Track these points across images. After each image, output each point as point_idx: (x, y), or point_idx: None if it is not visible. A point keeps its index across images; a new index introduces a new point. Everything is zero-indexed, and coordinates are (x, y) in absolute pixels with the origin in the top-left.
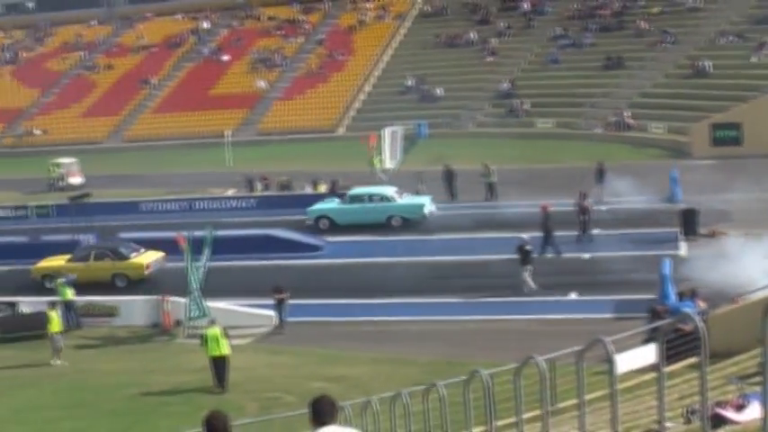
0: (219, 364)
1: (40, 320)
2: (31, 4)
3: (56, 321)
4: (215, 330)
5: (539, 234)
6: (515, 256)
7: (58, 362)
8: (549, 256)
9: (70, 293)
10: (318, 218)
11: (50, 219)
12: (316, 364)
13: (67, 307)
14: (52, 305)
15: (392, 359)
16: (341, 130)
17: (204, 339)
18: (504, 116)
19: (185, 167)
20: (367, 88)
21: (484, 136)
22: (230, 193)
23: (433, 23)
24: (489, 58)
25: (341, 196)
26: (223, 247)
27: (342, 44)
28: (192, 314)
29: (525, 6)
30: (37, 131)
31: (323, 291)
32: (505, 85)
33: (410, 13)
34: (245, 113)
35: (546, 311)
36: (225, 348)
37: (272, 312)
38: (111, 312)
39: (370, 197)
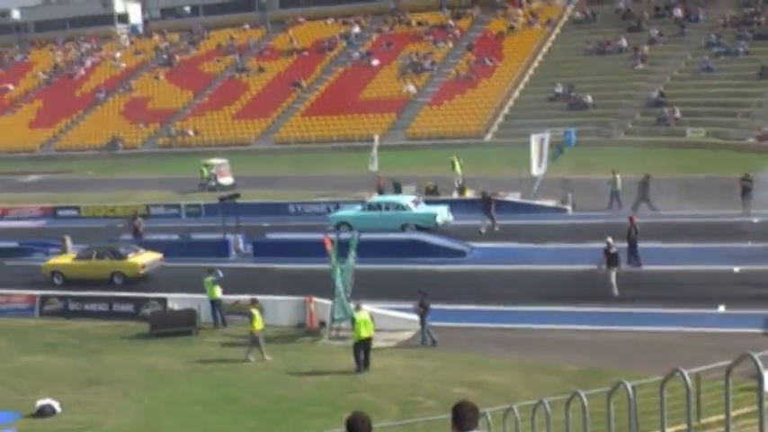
0: (365, 347)
1: (188, 317)
2: (186, 8)
3: (258, 319)
4: (364, 314)
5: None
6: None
7: (268, 357)
8: (631, 268)
9: (218, 291)
10: (339, 224)
11: (200, 218)
12: (458, 370)
13: (214, 305)
14: (254, 302)
15: (536, 367)
16: (489, 136)
17: (354, 322)
18: (653, 125)
19: (333, 170)
20: (516, 94)
21: (633, 144)
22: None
23: (584, 30)
24: (640, 66)
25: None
26: (369, 250)
27: (491, 50)
28: (336, 316)
29: (678, 13)
30: (189, 132)
31: (468, 296)
32: (656, 93)
33: (560, 20)
34: (393, 118)
35: (692, 324)
36: (371, 331)
37: (416, 317)
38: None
39: (386, 206)
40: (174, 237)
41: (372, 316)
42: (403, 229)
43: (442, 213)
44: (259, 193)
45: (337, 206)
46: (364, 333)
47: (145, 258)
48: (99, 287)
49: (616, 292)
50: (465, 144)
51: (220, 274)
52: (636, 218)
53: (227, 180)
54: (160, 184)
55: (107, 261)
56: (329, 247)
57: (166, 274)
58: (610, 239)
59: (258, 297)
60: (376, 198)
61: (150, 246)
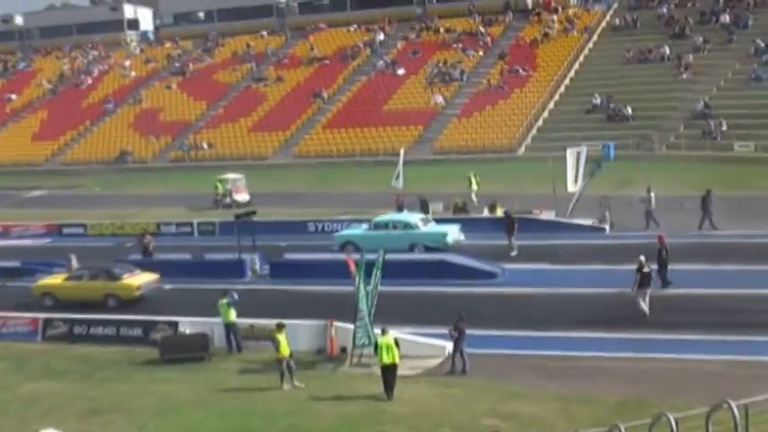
0: (389, 373)
1: (201, 342)
2: (201, 14)
3: (284, 344)
4: (388, 338)
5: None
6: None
7: (297, 383)
8: (660, 289)
9: (233, 315)
10: (344, 244)
11: (214, 237)
12: (489, 400)
13: (229, 329)
14: (280, 327)
15: (573, 397)
16: (521, 150)
17: (377, 348)
18: (698, 138)
19: (356, 186)
20: (550, 105)
21: (675, 159)
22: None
23: (624, 37)
24: (684, 75)
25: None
26: (394, 271)
27: (524, 58)
28: (359, 342)
29: (725, 19)
30: (203, 145)
31: (499, 321)
32: (701, 105)
33: (598, 27)
34: (419, 131)
35: (739, 352)
36: (396, 357)
37: (444, 343)
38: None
39: (394, 225)
40: (187, 256)
41: (398, 341)
42: (411, 249)
43: (453, 233)
44: (277, 211)
45: (360, 225)
46: (386, 359)
47: (140, 279)
48: (104, 310)
49: (646, 310)
50: (496, 159)
51: (235, 297)
52: (665, 237)
53: (242, 196)
54: (172, 201)
55: (100, 282)
56: (353, 268)
57: (177, 296)
58: (642, 258)
59: (282, 321)
60: (382, 217)
61: (161, 266)
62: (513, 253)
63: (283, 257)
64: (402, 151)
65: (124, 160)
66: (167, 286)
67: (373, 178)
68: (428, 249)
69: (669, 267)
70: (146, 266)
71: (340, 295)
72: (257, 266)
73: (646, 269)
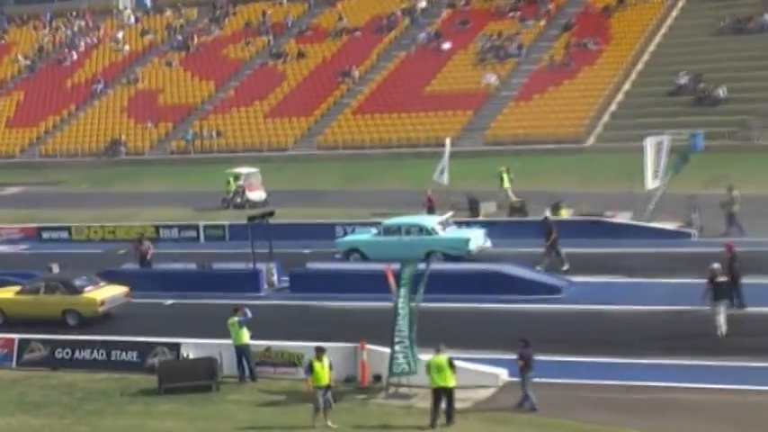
0: (443, 399)
1: (207, 368)
2: None
3: (322, 373)
4: (440, 358)
5: None
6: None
7: (330, 424)
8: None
9: (245, 336)
10: (349, 251)
11: (224, 243)
12: None
13: (241, 352)
14: (320, 352)
15: None
16: (591, 140)
17: (427, 367)
18: None
19: (393, 183)
20: (626, 86)
21: None
22: (446, 216)
23: (716, 3)
24: None
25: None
26: (437, 284)
27: (595, 30)
28: (398, 369)
29: None
30: (211, 134)
31: (565, 344)
32: None
33: None
34: (468, 117)
35: None
36: (450, 379)
37: (497, 370)
38: (294, 361)
39: (407, 229)
40: (191, 266)
41: (453, 362)
42: (427, 257)
43: (477, 238)
44: (298, 212)
45: (368, 229)
46: (438, 381)
47: (105, 293)
48: (93, 329)
49: (724, 329)
50: (560, 150)
51: (249, 314)
52: (735, 245)
53: (258, 195)
54: (173, 200)
55: (58, 296)
56: (392, 280)
57: (180, 313)
58: (716, 265)
59: (300, 344)
60: (394, 220)
61: (160, 278)
62: (538, 268)
63: (306, 267)
64: (448, 142)
65: (116, 152)
66: (168, 301)
67: (413, 174)
68: (446, 257)
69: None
70: (143, 278)
71: (374, 313)
72: (275, 278)
73: (719, 279)
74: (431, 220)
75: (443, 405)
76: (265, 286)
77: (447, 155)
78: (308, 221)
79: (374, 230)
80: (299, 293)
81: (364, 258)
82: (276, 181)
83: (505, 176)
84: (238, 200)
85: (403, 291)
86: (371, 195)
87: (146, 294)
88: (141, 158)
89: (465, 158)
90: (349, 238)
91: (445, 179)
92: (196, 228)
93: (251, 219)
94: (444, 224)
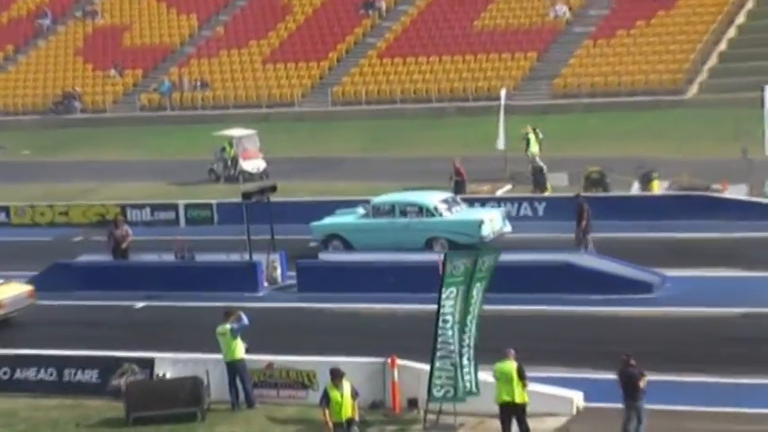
0: (511, 417)
1: (190, 391)
2: None
3: (342, 403)
4: (507, 365)
5: None
6: None
7: None
8: None
9: (239, 349)
10: (327, 238)
11: (211, 227)
12: None
13: (234, 370)
14: (338, 377)
15: None
16: (693, 90)
17: (496, 377)
18: None
19: (431, 148)
20: (740, 19)
21: None
22: (502, 192)
23: None
24: None
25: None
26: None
27: None
28: (439, 391)
29: None
30: (194, 85)
31: (661, 359)
32: None
33: None
34: (531, 61)
35: None
36: (519, 394)
37: (571, 393)
38: (304, 382)
39: (402, 210)
40: (168, 258)
41: (523, 371)
42: (429, 245)
43: (494, 221)
44: (308, 186)
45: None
46: (505, 395)
47: (1, 293)
48: (39, 341)
49: None
50: (652, 104)
51: (244, 320)
52: None
53: (254, 164)
54: (144, 172)
55: None
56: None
57: (154, 319)
58: None
59: (311, 358)
60: (385, 197)
61: (128, 273)
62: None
63: (317, 259)
64: (503, 93)
65: (69, 108)
66: (139, 304)
67: (458, 135)
68: (453, 246)
69: None
70: (105, 273)
71: (409, 318)
72: (278, 273)
73: None
74: (432, 198)
75: (514, 428)
76: (265, 284)
77: (502, 111)
78: (321, 199)
79: (361, 210)
80: (310, 293)
81: (347, 246)
82: (279, 146)
83: (532, 138)
84: (231, 171)
85: (452, 290)
86: (403, 165)
87: (109, 295)
88: (102, 117)
89: (526, 115)
90: (328, 220)
91: (500, 143)
92: (175, 208)
93: (246, 195)
94: (450, 203)
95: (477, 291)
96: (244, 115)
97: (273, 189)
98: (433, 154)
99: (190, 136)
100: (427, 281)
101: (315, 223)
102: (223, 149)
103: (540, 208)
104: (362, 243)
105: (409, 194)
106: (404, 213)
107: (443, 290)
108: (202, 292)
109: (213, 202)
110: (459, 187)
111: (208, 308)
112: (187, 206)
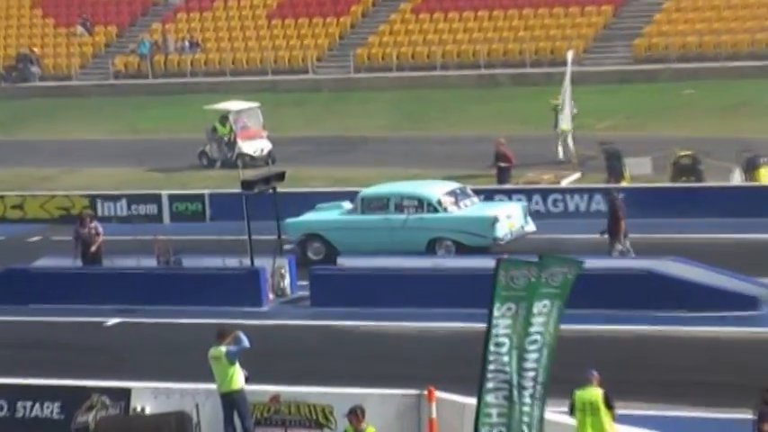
0: None
1: (174, 427)
2: None
3: None
4: (591, 393)
5: None
6: None
7: None
8: None
9: (238, 379)
10: (305, 238)
11: (202, 225)
12: None
13: (231, 403)
14: (357, 417)
15: None
16: None
17: (571, 405)
18: None
19: (481, 124)
20: None
21: None
22: (568, 182)
23: None
24: None
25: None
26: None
27: None
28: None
29: None
30: (182, 46)
31: None
32: None
33: None
34: (603, 17)
35: None
36: (607, 427)
37: None
38: (318, 419)
39: (398, 204)
40: (148, 263)
41: (610, 399)
42: (431, 247)
43: (512, 218)
44: (324, 174)
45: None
46: (588, 427)
47: None
48: None
49: None
50: (760, 70)
51: (244, 342)
52: None
53: (257, 145)
54: (119, 154)
55: None
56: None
57: (130, 338)
58: None
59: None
60: (377, 188)
61: (98, 282)
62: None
63: (335, 266)
64: (570, 57)
65: (24, 74)
66: (110, 321)
67: (513, 110)
68: (461, 248)
69: None
70: (68, 282)
71: (450, 339)
72: (286, 283)
73: None
74: (435, 189)
75: None
76: (270, 296)
77: (568, 80)
78: (339, 189)
79: (347, 205)
80: (326, 307)
81: (330, 249)
82: (288, 123)
83: (564, 110)
84: (228, 154)
85: (509, 306)
86: (443, 147)
87: (74, 309)
88: (66, 85)
89: (598, 84)
90: (306, 217)
91: (565, 120)
92: (157, 200)
93: (247, 185)
94: (458, 195)
95: (548, 310)
96: (244, 84)
97: (281, 177)
98: (480, 133)
99: (176, 110)
100: (476, 293)
101: (290, 221)
102: (214, 129)
103: (622, 198)
104: (348, 245)
105: (407, 185)
106: (399, 208)
107: (496, 305)
108: (191, 307)
109: (205, 192)
110: (503, 175)
111: (198, 326)
112: (172, 198)
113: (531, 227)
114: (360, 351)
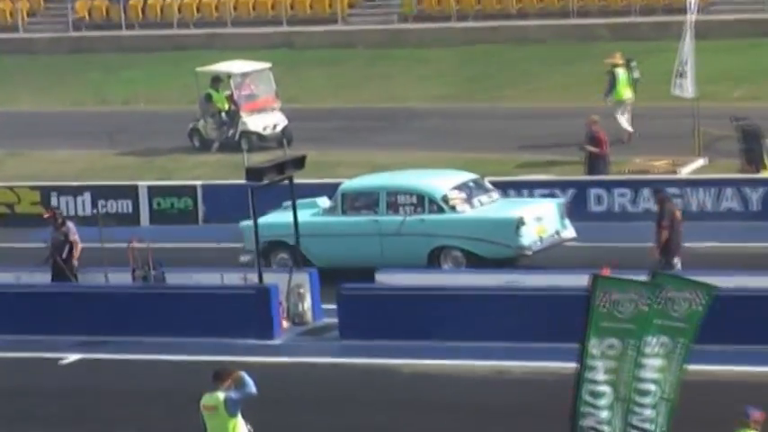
0: None
1: None
2: None
3: None
4: None
5: None
6: None
7: None
8: None
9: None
10: (268, 247)
11: (194, 227)
12: None
13: None
14: None
15: None
16: None
17: None
18: None
19: (571, 92)
20: None
21: None
22: (688, 171)
23: None
24: None
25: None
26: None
27: None
28: None
29: None
30: None
31: None
32: None
33: None
34: None
35: None
36: None
37: None
38: None
39: (392, 200)
40: (118, 278)
41: None
42: (435, 259)
43: (545, 221)
44: (357, 158)
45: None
46: None
47: None
48: None
49: None
50: None
51: (249, 388)
52: None
53: (267, 120)
54: (82, 131)
55: None
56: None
57: (93, 381)
58: None
59: None
60: (364, 180)
61: (55, 304)
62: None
63: (373, 283)
64: (692, 3)
65: None
66: (69, 358)
67: (593, 74)
68: (473, 259)
69: None
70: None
71: (530, 383)
72: (305, 306)
73: None
74: (440, 182)
75: None
76: (285, 324)
77: (689, 33)
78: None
79: (324, 203)
80: (359, 340)
81: (300, 261)
82: (310, 90)
83: (622, 75)
84: (228, 131)
85: (610, 342)
86: (520, 122)
87: (20, 342)
88: (10, 38)
89: (729, 38)
90: (269, 219)
91: (686, 87)
92: (133, 193)
93: (254, 174)
94: (471, 190)
95: (668, 351)
96: (249, 37)
97: (300, 163)
98: (568, 105)
99: (158, 72)
100: (564, 321)
101: (246, 223)
102: (209, 98)
103: (755, 197)
104: (325, 256)
105: (403, 175)
106: (394, 207)
107: (592, 341)
108: (177, 338)
109: (197, 184)
110: (595, 162)
111: (186, 364)
112: (153, 191)
113: (569, 232)
114: (407, 399)
